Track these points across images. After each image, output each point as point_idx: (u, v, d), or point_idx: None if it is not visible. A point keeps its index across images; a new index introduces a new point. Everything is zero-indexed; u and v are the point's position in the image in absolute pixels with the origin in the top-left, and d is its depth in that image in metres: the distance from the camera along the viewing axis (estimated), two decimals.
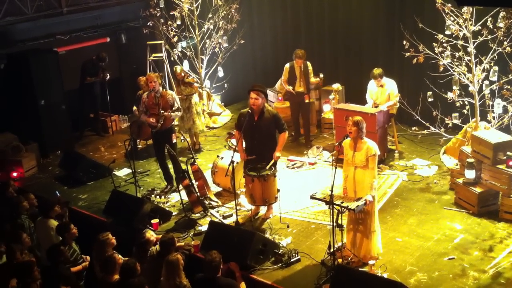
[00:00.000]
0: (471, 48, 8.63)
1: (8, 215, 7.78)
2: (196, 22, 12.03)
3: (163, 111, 8.85)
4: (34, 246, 7.42)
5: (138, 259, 6.46)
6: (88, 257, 7.03)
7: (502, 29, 8.31)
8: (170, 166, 9.35)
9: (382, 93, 9.83)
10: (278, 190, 8.03)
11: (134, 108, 10.81)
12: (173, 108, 8.99)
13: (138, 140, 11.16)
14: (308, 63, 10.49)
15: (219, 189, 9.26)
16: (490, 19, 8.37)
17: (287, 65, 10.53)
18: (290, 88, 10.45)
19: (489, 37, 8.45)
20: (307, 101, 10.56)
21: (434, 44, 8.77)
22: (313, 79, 10.61)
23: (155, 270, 6.37)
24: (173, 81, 11.39)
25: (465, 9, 8.46)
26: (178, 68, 10.97)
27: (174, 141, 9.09)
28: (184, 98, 10.70)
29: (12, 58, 11.06)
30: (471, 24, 8.54)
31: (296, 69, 10.41)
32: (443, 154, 9.85)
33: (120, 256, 6.47)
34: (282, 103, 11.51)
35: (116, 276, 6.16)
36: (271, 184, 7.87)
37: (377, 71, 9.70)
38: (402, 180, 9.19)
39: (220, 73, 12.52)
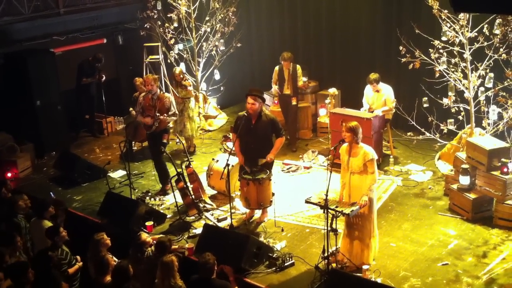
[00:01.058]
0: (467, 55, 8.66)
1: (4, 215, 7.76)
2: (193, 25, 12.04)
3: (159, 114, 8.84)
4: (28, 247, 7.40)
5: (134, 261, 6.46)
6: (79, 257, 7.00)
7: (498, 36, 8.34)
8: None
9: (378, 98, 9.85)
10: (273, 194, 8.03)
11: (131, 109, 10.80)
12: (169, 113, 8.98)
13: (133, 142, 11.14)
14: (298, 66, 10.53)
15: (214, 192, 9.25)
16: (486, 25, 8.40)
17: (277, 68, 10.60)
18: (276, 87, 10.50)
19: (485, 43, 8.48)
20: (294, 103, 10.58)
21: (430, 50, 8.80)
22: (300, 82, 10.60)
23: (151, 271, 6.36)
24: (172, 82, 11.35)
25: (461, 15, 8.48)
26: (177, 69, 10.93)
27: (165, 141, 9.05)
28: (179, 100, 10.69)
29: (9, 58, 11.03)
30: (467, 31, 8.57)
31: (284, 72, 10.45)
32: (438, 159, 9.87)
33: (113, 258, 6.46)
34: (278, 107, 11.51)
35: (109, 278, 6.15)
36: (266, 187, 7.87)
37: (373, 76, 9.72)
38: (396, 185, 9.21)
39: (217, 76, 12.53)
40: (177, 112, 9.29)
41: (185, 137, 10.93)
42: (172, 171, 9.04)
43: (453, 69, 8.82)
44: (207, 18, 12.11)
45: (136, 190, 9.46)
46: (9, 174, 10.09)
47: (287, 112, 10.79)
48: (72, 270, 6.78)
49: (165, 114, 8.88)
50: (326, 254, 6.84)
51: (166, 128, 9.13)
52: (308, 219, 8.35)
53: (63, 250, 6.84)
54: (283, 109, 10.84)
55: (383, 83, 9.85)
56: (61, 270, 6.57)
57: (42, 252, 6.49)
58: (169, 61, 12.35)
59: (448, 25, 8.64)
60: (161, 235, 7.18)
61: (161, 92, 9.20)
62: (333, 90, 10.83)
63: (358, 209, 6.66)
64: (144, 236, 6.88)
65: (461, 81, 8.83)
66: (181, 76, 10.81)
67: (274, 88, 10.64)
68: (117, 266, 6.05)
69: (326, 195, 6.61)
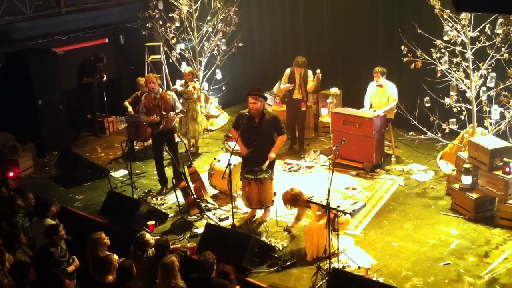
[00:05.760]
0: (469, 54, 8.66)
1: (4, 214, 7.77)
2: (195, 24, 12.04)
3: (165, 113, 8.86)
4: (30, 246, 7.41)
5: (135, 260, 6.46)
6: (75, 257, 7.00)
7: (500, 36, 8.35)
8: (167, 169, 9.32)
9: (383, 94, 9.85)
10: (275, 193, 8.03)
11: (130, 109, 10.77)
12: (177, 110, 9.00)
13: (135, 141, 11.14)
14: (309, 71, 10.40)
15: (216, 191, 9.25)
16: (488, 25, 8.41)
17: (288, 71, 10.44)
18: (288, 85, 10.31)
19: (487, 43, 8.49)
20: (303, 109, 10.47)
21: (432, 49, 8.81)
22: (309, 85, 10.38)
23: (150, 272, 6.36)
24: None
25: (463, 15, 8.49)
26: (187, 69, 10.77)
27: (177, 140, 9.07)
28: (183, 102, 10.62)
29: (11, 58, 11.05)
30: (469, 30, 8.57)
31: (296, 76, 10.34)
32: (439, 159, 9.87)
33: (116, 257, 6.46)
34: (279, 106, 11.51)
35: (111, 277, 6.15)
36: (268, 187, 7.86)
37: (380, 68, 9.73)
38: (398, 185, 9.20)
39: (218, 76, 12.52)
40: (183, 109, 9.28)
41: (193, 137, 10.88)
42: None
43: (455, 69, 8.82)
44: (208, 18, 12.11)
45: (138, 190, 9.46)
46: (11, 174, 10.10)
47: (295, 117, 10.57)
48: (70, 268, 6.79)
49: (171, 112, 8.89)
50: (327, 254, 6.84)
51: (173, 127, 9.18)
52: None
53: (62, 248, 6.86)
54: (291, 113, 10.60)
55: (388, 80, 9.84)
56: (60, 268, 6.58)
57: (44, 249, 6.50)
58: (170, 60, 12.35)
59: (450, 24, 8.63)
60: (158, 237, 7.16)
61: (163, 91, 9.20)
62: (334, 90, 10.83)
63: (360, 209, 6.67)
64: (148, 236, 6.88)
65: (463, 81, 8.82)
66: (191, 76, 10.66)
67: (277, 87, 10.49)
68: (121, 265, 6.05)
69: (328, 195, 6.61)
